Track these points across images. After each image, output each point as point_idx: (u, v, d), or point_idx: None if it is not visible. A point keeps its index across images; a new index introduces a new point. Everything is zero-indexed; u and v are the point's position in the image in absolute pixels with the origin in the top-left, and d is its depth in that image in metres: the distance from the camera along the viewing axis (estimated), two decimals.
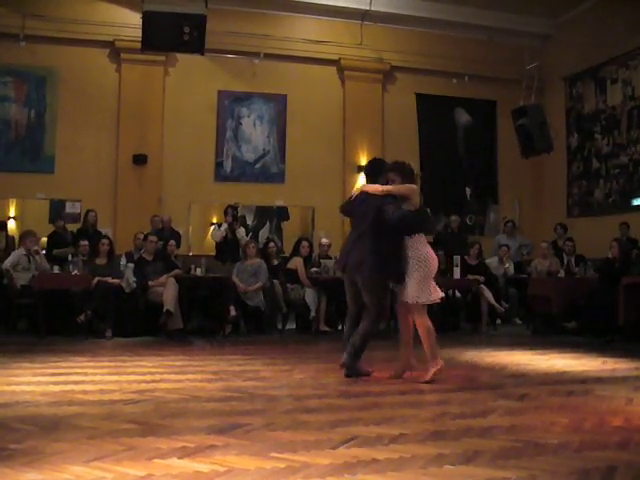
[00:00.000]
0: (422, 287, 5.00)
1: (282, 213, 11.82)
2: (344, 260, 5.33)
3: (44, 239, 9.46)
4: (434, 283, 5.11)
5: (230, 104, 11.36)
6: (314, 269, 9.16)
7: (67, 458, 2.84)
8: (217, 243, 10.00)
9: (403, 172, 5.15)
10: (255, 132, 11.48)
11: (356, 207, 5.33)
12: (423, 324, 5.02)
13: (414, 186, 5.15)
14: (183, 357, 6.47)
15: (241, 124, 11.41)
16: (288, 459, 2.89)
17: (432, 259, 5.08)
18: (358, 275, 5.18)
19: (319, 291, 8.81)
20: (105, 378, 5.05)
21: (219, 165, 11.25)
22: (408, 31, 11.82)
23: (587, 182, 11.69)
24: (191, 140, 11.02)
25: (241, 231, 9.97)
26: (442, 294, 5.24)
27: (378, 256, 5.06)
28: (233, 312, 8.40)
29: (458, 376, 5.36)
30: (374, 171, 5.41)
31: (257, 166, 11.45)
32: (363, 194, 5.28)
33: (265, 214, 11.69)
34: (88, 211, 9.73)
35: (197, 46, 8.94)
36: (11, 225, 10.47)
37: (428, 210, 5.24)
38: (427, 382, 4.91)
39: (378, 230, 5.09)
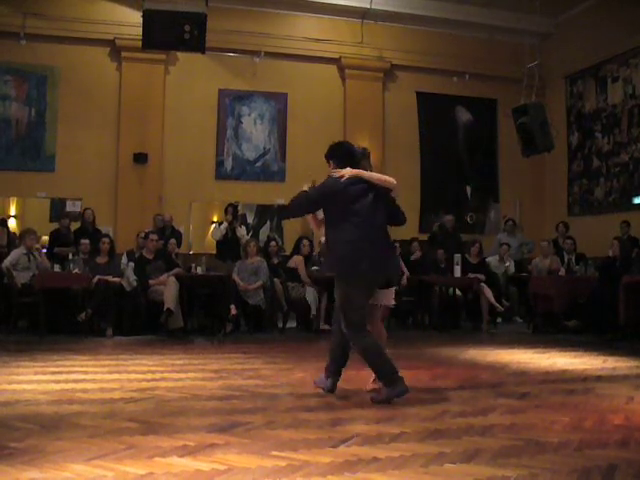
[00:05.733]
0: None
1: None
2: None
3: (45, 237, 9.46)
4: None
5: (231, 102, 11.35)
6: (315, 268, 9.17)
7: (68, 457, 2.84)
8: (218, 242, 9.99)
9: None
10: (256, 130, 11.47)
11: None
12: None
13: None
14: (184, 356, 6.47)
15: (242, 122, 11.40)
16: (289, 457, 2.89)
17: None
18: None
19: (320, 290, 8.81)
20: (106, 377, 5.05)
21: (220, 164, 11.25)
22: (409, 29, 11.81)
23: (588, 180, 11.67)
24: (192, 139, 11.01)
25: (242, 230, 9.97)
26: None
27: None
28: (234, 311, 8.40)
29: (459, 374, 5.37)
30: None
31: (258, 164, 11.44)
32: None
33: (266, 213, 11.67)
34: (85, 209, 9.73)
35: (198, 44, 8.96)
36: (11, 224, 10.46)
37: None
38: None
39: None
